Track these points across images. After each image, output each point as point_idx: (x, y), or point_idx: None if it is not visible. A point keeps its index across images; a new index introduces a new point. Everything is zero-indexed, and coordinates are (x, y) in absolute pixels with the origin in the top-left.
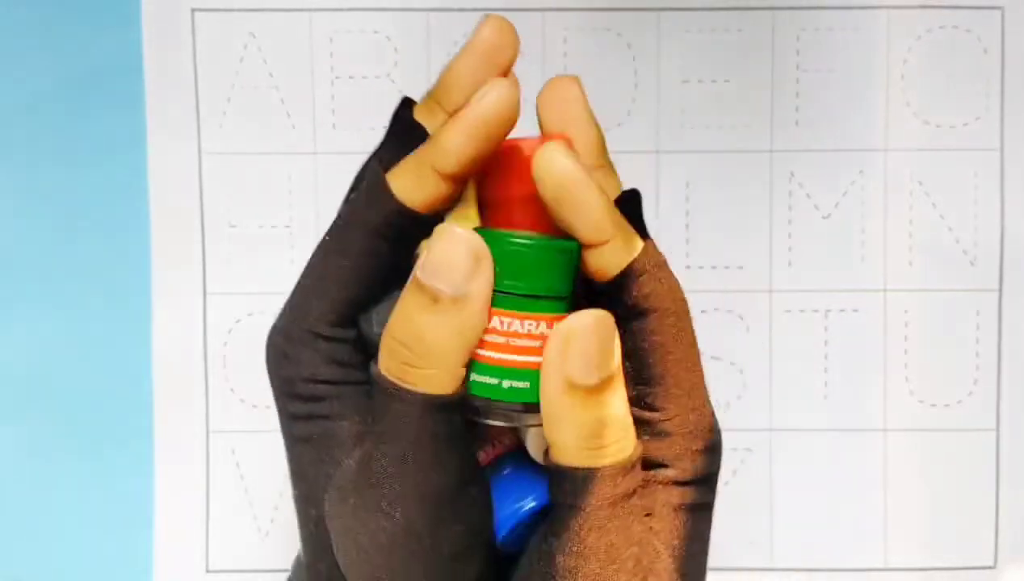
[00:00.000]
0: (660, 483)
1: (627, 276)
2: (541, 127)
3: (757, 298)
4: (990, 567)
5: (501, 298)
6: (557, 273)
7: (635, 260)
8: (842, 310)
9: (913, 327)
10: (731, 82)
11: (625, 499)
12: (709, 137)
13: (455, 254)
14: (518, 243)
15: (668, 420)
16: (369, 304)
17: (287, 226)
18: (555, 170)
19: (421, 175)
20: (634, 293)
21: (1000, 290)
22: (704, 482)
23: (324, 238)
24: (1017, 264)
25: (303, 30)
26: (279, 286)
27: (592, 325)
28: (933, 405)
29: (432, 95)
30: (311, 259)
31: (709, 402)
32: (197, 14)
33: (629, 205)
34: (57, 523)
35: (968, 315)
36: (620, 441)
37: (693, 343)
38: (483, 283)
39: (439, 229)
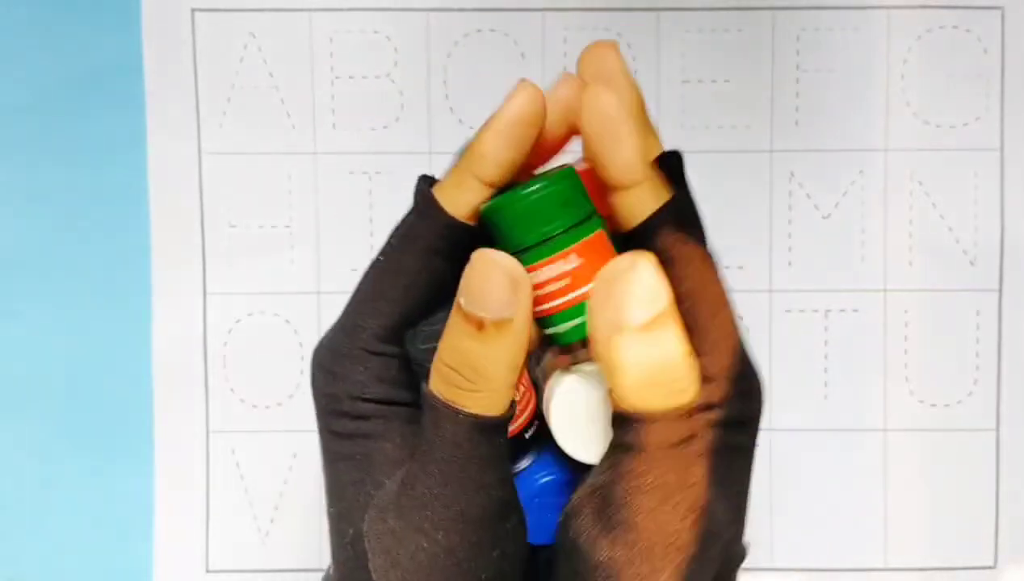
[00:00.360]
0: (707, 425)
1: (651, 225)
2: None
3: (757, 298)
4: (990, 567)
5: (548, 245)
6: (576, 199)
7: (660, 209)
8: (842, 310)
9: (913, 327)
10: (731, 82)
11: (684, 443)
12: (709, 137)
13: (493, 280)
14: (526, 194)
15: (708, 364)
16: (421, 321)
17: (287, 226)
18: (600, 104)
19: (464, 185)
20: (658, 242)
21: (1000, 290)
22: (748, 424)
23: (377, 258)
24: (1017, 264)
25: (303, 30)
26: (279, 286)
27: (631, 266)
28: (933, 405)
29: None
30: (362, 280)
31: (746, 347)
32: (197, 14)
33: (669, 162)
34: (57, 523)
35: (968, 315)
36: (678, 382)
37: (721, 291)
38: (524, 305)
39: (475, 255)
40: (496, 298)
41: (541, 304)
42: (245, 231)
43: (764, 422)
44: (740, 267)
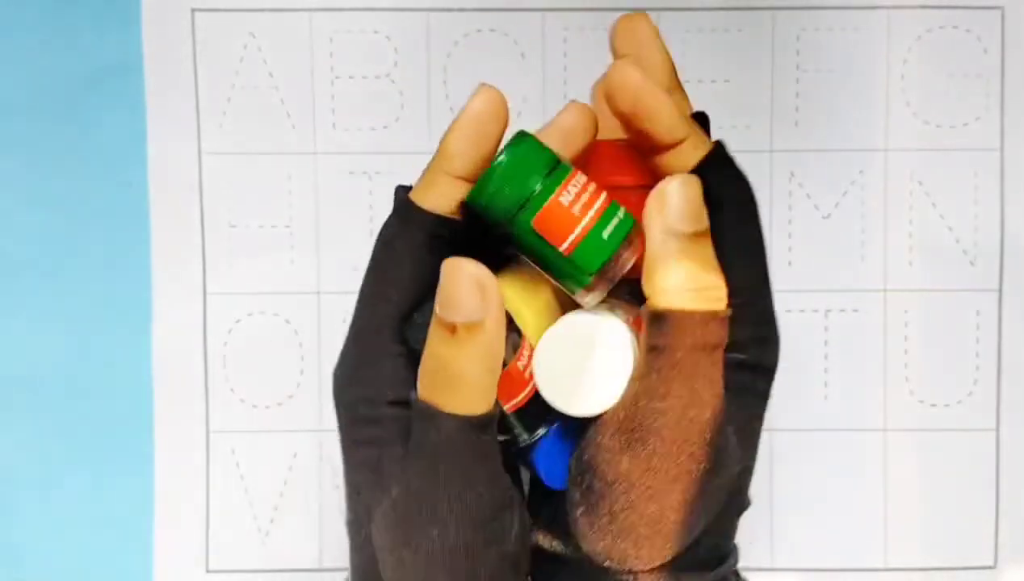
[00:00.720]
0: (730, 365)
1: (699, 172)
2: (615, 54)
3: None
4: (990, 567)
5: (559, 173)
6: (537, 156)
7: (705, 157)
8: (842, 310)
9: (913, 327)
10: (731, 82)
11: (713, 349)
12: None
13: (461, 286)
14: (494, 166)
15: (737, 307)
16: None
17: (287, 226)
18: (628, 82)
19: (437, 183)
20: (705, 188)
21: (1000, 290)
22: (765, 372)
23: (368, 270)
24: (1017, 264)
25: (303, 30)
26: (279, 286)
27: (683, 183)
28: (933, 405)
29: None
30: (360, 293)
31: (772, 298)
32: (197, 14)
33: (698, 122)
34: (57, 523)
35: (968, 315)
36: (714, 290)
37: (758, 238)
38: (493, 307)
39: (445, 264)
40: (465, 303)
41: (591, 208)
42: (245, 231)
43: (764, 422)
44: None
